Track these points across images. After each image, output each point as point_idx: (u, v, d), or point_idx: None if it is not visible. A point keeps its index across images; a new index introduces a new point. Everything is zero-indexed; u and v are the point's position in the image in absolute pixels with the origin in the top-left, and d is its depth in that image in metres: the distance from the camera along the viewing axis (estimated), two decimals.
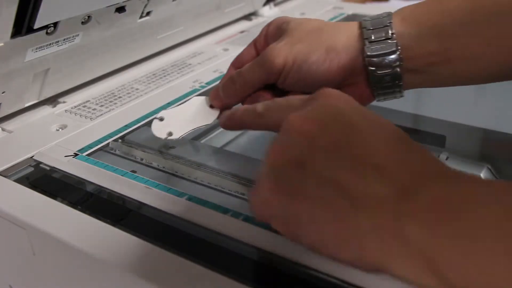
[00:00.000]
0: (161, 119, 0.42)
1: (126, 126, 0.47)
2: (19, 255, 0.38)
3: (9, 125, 0.48)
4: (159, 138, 0.41)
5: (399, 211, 0.25)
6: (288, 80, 0.38)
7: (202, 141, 0.50)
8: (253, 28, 0.71)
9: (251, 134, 0.55)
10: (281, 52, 0.37)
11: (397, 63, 0.36)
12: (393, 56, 0.36)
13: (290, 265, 0.30)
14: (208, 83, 0.55)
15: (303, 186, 0.27)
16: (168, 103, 0.50)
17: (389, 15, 0.37)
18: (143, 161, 0.43)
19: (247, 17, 0.76)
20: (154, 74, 0.58)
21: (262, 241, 0.32)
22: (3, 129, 0.48)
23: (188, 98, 0.51)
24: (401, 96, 0.38)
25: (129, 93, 0.54)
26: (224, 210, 0.35)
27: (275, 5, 0.79)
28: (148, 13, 0.56)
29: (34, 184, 0.39)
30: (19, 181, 0.40)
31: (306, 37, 0.38)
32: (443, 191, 0.26)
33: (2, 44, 0.41)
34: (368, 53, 0.36)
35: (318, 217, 0.27)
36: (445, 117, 0.48)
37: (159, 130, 0.42)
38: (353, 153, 0.27)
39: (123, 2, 0.49)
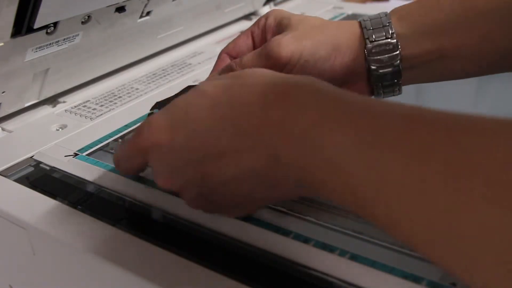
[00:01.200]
0: (155, 112, 0.42)
1: (126, 126, 0.47)
2: (19, 255, 0.38)
3: (9, 125, 0.48)
4: None
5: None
6: (292, 73, 0.38)
7: None
8: None
9: None
10: (289, 46, 0.37)
11: (398, 61, 0.37)
12: (394, 55, 0.37)
13: (290, 265, 0.30)
14: None
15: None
16: None
17: (386, 14, 0.38)
18: None
19: (247, 17, 0.76)
20: (154, 74, 0.58)
21: (262, 241, 0.32)
22: (3, 129, 0.48)
23: None
24: (400, 93, 0.39)
25: (129, 93, 0.54)
26: None
27: (275, 5, 0.79)
28: (148, 13, 0.56)
29: (34, 184, 0.39)
30: (19, 181, 0.40)
31: (311, 33, 0.38)
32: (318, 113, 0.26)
33: (2, 44, 0.41)
34: (370, 53, 0.37)
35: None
36: None
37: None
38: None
39: (123, 2, 0.49)
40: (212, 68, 0.43)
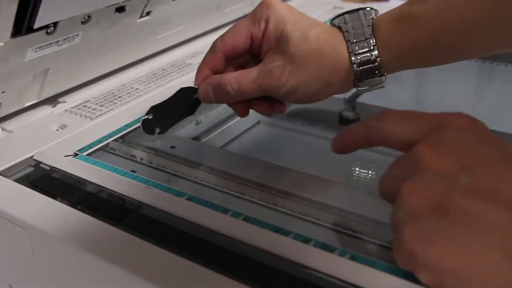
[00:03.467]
0: (149, 117, 0.43)
1: (126, 126, 0.47)
2: (19, 255, 0.38)
3: (9, 125, 0.48)
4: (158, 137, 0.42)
5: None
6: (286, 99, 0.41)
7: (202, 141, 0.50)
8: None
9: (251, 134, 0.55)
10: (287, 84, 0.39)
11: (383, 83, 0.41)
12: (380, 80, 0.41)
13: (290, 265, 0.30)
14: None
15: (449, 235, 0.25)
16: None
17: (374, 43, 0.40)
18: (143, 161, 0.43)
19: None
20: (154, 74, 0.58)
21: (262, 241, 0.32)
22: (3, 129, 0.48)
23: None
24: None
25: (129, 93, 0.54)
26: (224, 210, 0.35)
27: None
28: (148, 13, 0.56)
29: (34, 184, 0.39)
30: (19, 181, 0.40)
31: (306, 68, 0.40)
32: None
33: (2, 44, 0.41)
34: (360, 89, 0.41)
35: (472, 269, 0.24)
36: None
37: (148, 128, 0.43)
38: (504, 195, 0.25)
39: (123, 2, 0.49)
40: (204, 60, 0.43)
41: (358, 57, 0.40)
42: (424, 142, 0.28)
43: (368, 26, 0.40)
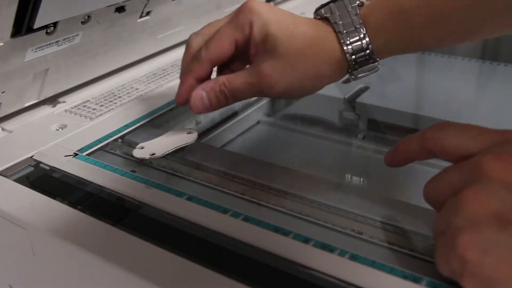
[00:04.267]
0: (141, 148, 0.43)
1: (126, 126, 0.47)
2: (19, 255, 0.38)
3: (9, 125, 0.48)
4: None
5: None
6: (281, 97, 0.44)
7: (202, 141, 0.50)
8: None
9: (251, 134, 0.55)
10: (280, 83, 0.40)
11: (377, 68, 0.41)
12: (373, 66, 0.41)
13: (290, 265, 0.30)
14: None
15: (507, 246, 0.25)
16: (168, 103, 0.50)
17: (364, 31, 0.40)
18: (143, 161, 0.43)
19: None
20: (154, 74, 0.58)
21: (262, 241, 0.32)
22: (3, 129, 0.48)
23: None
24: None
25: (129, 93, 0.54)
26: (224, 210, 0.35)
27: (275, 5, 0.79)
28: (148, 13, 0.56)
29: (34, 184, 0.39)
30: (19, 181, 0.40)
31: (299, 64, 0.40)
32: None
33: (2, 44, 0.41)
34: (354, 77, 0.41)
35: None
36: (445, 117, 0.48)
37: (140, 154, 0.43)
38: None
39: (123, 2, 0.49)
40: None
41: (350, 47, 0.40)
42: (489, 152, 0.28)
43: (356, 14, 0.40)
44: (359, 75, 0.41)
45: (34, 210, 0.36)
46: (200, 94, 0.42)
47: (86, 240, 0.33)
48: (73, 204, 0.37)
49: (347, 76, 0.42)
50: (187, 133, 0.44)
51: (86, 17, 0.47)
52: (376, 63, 0.41)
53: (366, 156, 0.50)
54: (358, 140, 0.52)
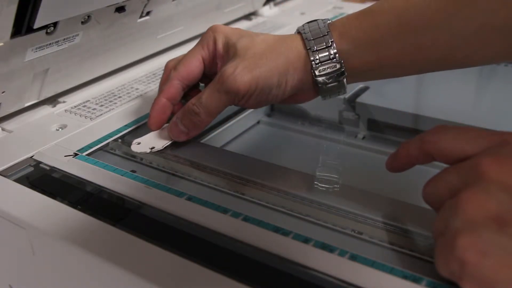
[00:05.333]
0: (138, 143, 0.44)
1: (126, 126, 0.47)
2: (19, 255, 0.38)
3: (9, 125, 0.48)
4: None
5: None
6: (248, 102, 0.41)
7: (202, 141, 0.50)
8: (253, 28, 0.71)
9: (251, 134, 0.55)
10: (244, 79, 0.39)
11: (343, 77, 0.41)
12: (339, 73, 0.40)
13: (290, 265, 0.30)
14: None
15: (506, 248, 0.25)
16: None
17: (328, 31, 0.40)
18: (143, 161, 0.43)
19: (247, 17, 0.76)
20: (154, 74, 0.58)
21: (262, 241, 0.32)
22: (3, 129, 0.48)
23: None
24: (344, 93, 0.43)
25: (129, 93, 0.54)
26: (224, 210, 0.35)
27: (275, 4, 0.79)
28: (147, 13, 0.56)
29: (34, 184, 0.39)
30: (19, 181, 0.40)
31: (261, 61, 0.40)
32: None
33: (2, 44, 0.41)
34: (317, 74, 0.40)
35: None
36: (445, 117, 0.48)
37: (139, 148, 0.43)
38: None
39: (123, 2, 0.49)
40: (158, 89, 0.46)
41: (317, 55, 0.40)
42: (487, 154, 0.28)
43: (325, 26, 0.41)
44: (327, 95, 0.42)
45: (34, 210, 0.36)
46: (174, 122, 0.43)
47: (86, 240, 0.33)
48: (73, 204, 0.37)
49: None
50: None
51: (86, 17, 0.47)
52: (343, 78, 0.40)
53: (366, 156, 0.50)
54: (358, 140, 0.52)
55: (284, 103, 0.44)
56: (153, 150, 0.42)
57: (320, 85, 0.41)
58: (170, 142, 0.43)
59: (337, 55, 0.40)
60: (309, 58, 0.40)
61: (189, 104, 0.42)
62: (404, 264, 0.30)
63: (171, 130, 0.43)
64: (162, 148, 0.42)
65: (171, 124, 0.43)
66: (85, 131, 0.46)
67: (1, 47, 0.41)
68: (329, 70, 0.40)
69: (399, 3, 0.39)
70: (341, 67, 0.40)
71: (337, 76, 0.40)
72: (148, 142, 0.44)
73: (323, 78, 0.40)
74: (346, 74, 0.40)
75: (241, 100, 0.40)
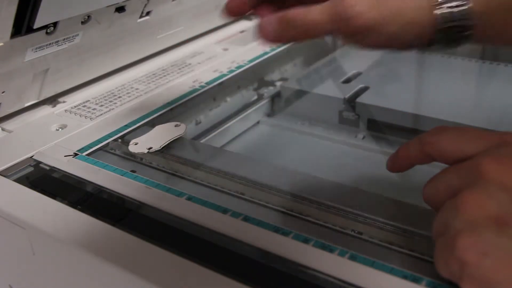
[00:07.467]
0: (136, 144, 0.44)
1: (126, 126, 0.47)
2: (19, 255, 0.38)
3: (9, 125, 0.48)
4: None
5: None
6: (359, 38, 0.33)
7: (202, 141, 0.50)
8: (253, 28, 0.71)
9: (251, 134, 0.55)
10: (365, 14, 0.31)
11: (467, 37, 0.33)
12: (466, 35, 0.33)
13: (290, 265, 0.30)
14: (208, 83, 0.55)
15: (506, 249, 0.24)
16: (168, 103, 0.50)
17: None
18: (143, 161, 0.43)
19: (247, 17, 0.76)
20: (154, 74, 0.58)
21: (262, 241, 0.32)
22: (3, 129, 0.48)
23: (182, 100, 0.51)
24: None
25: (129, 93, 0.54)
26: (224, 210, 0.35)
27: None
28: (147, 13, 0.56)
29: (34, 184, 0.39)
30: (19, 181, 0.40)
31: (387, 1, 0.32)
32: None
33: (2, 44, 0.41)
34: (437, 44, 0.33)
35: None
36: (445, 117, 0.48)
37: (137, 149, 0.43)
38: None
39: (123, 2, 0.49)
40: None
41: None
42: (487, 155, 0.27)
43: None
44: (441, 42, 0.33)
45: (34, 210, 0.36)
46: (269, 20, 0.35)
47: (86, 240, 0.33)
48: (73, 204, 0.37)
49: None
50: (175, 126, 0.45)
51: (86, 17, 0.47)
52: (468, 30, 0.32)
53: (366, 156, 0.50)
54: (358, 140, 0.52)
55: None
56: (151, 150, 0.42)
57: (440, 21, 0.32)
58: (167, 142, 0.43)
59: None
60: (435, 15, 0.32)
61: (292, 13, 0.33)
62: (404, 264, 0.30)
63: (264, 25, 0.35)
64: (159, 148, 0.42)
65: (266, 20, 0.35)
66: (85, 131, 0.46)
67: (1, 47, 0.41)
68: (455, 32, 0.32)
69: None
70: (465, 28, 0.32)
71: (463, 37, 0.33)
72: (145, 143, 0.44)
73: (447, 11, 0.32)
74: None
75: (355, 35, 0.33)
